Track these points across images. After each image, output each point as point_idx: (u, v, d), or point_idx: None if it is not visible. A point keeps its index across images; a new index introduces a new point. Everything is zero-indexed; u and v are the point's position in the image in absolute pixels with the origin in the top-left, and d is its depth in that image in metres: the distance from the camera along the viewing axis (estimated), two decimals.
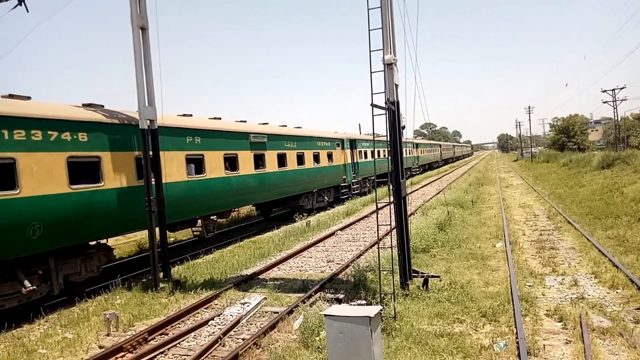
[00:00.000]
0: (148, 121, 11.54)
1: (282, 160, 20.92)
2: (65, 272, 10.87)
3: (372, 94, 8.62)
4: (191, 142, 14.84)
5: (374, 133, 8.86)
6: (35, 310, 10.10)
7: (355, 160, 30.87)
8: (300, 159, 22.94)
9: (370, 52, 8.68)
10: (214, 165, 15.89)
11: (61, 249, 10.59)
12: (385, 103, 8.96)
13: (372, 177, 33.32)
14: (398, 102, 9.19)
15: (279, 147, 20.82)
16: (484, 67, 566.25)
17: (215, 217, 16.84)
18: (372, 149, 34.02)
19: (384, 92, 8.96)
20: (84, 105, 11.81)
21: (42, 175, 9.87)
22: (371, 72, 8.67)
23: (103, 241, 12.34)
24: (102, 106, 12.21)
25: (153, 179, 11.68)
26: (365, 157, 33.45)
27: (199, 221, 15.93)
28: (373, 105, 8.72)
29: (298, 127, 25.03)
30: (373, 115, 8.77)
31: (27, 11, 11.77)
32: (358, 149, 31.75)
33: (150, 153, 11.61)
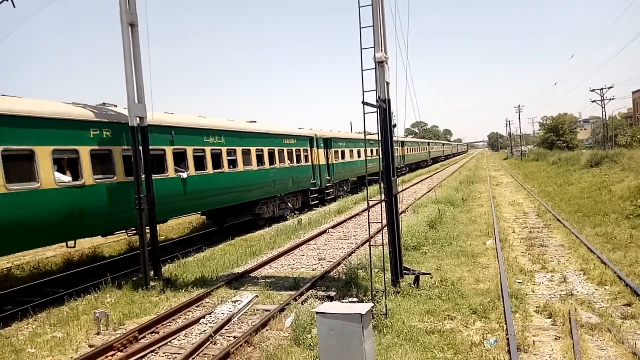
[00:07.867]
0: (138, 118, 11.44)
1: None
2: None
3: (363, 92, 8.63)
4: None
5: (365, 131, 8.86)
6: (24, 309, 9.99)
7: None
8: None
9: (361, 49, 8.68)
10: None
11: None
12: (377, 101, 8.96)
13: None
14: (389, 100, 9.20)
15: None
16: (474, 66, 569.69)
17: None
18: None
19: (375, 89, 8.96)
20: None
21: None
22: (362, 70, 8.67)
23: None
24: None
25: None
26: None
27: None
28: (364, 103, 8.72)
29: None
30: (364, 113, 8.78)
31: (14, 6, 11.60)
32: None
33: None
